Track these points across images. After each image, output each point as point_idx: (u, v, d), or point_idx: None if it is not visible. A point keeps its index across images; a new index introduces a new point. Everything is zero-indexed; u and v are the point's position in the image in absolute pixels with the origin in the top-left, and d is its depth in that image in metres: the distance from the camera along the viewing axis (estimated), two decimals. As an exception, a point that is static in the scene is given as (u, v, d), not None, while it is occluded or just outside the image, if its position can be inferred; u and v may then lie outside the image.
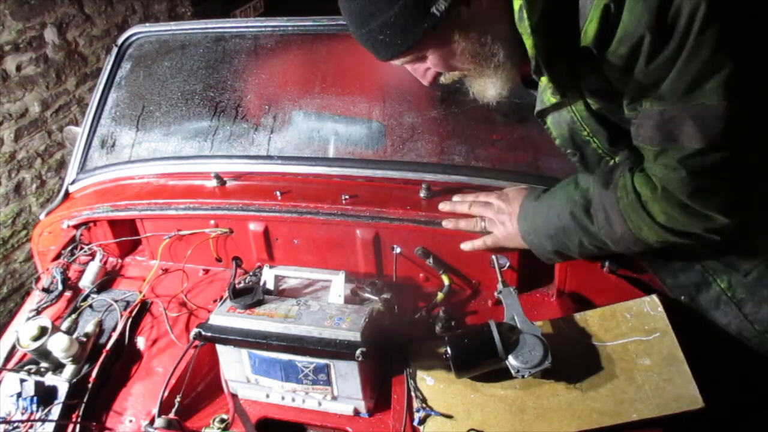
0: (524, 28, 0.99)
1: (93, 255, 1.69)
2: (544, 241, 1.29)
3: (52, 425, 1.28)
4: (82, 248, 1.71)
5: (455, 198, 1.48)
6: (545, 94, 1.14)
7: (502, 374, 1.24)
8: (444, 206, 1.47)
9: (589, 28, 0.95)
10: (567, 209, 1.22)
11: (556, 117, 1.18)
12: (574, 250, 1.26)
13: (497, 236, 1.38)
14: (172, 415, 1.27)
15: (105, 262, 1.69)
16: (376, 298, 1.42)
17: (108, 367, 1.39)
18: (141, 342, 1.49)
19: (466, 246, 1.42)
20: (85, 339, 1.41)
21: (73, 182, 1.91)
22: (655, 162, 1.04)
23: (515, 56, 1.09)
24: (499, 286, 1.35)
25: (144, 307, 1.55)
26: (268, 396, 1.34)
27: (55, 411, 1.30)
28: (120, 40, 2.04)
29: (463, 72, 1.13)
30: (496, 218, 1.38)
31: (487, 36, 1.06)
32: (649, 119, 1.00)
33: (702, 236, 1.08)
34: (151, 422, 1.25)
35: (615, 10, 0.91)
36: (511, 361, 1.21)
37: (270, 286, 1.42)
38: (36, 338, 1.33)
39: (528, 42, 1.00)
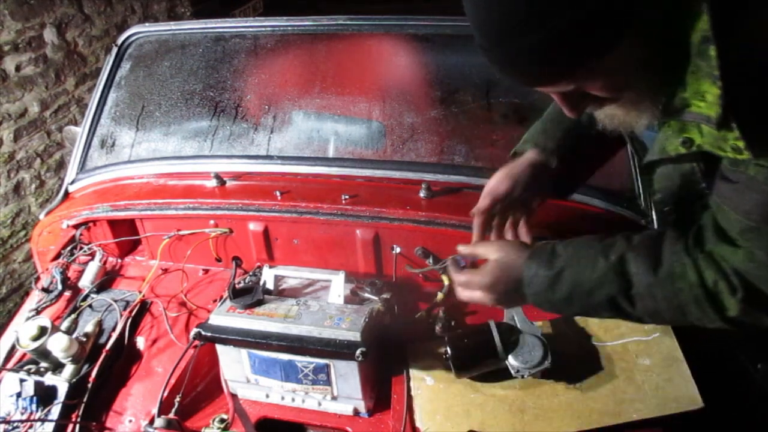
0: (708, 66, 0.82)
1: (92, 255, 1.69)
2: (561, 309, 1.09)
3: (52, 425, 1.27)
4: (81, 248, 1.71)
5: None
6: (670, 142, 0.94)
7: (502, 374, 1.24)
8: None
9: None
10: (602, 292, 0.99)
11: (668, 168, 1.00)
12: (593, 315, 1.11)
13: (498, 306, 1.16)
14: (171, 415, 1.27)
15: (105, 262, 1.69)
16: (376, 298, 1.42)
17: (108, 367, 1.39)
18: (141, 342, 1.49)
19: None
20: (84, 339, 1.41)
21: (72, 182, 1.91)
22: (741, 238, 0.89)
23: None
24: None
25: (144, 307, 1.55)
26: (267, 396, 1.33)
27: (55, 411, 1.30)
28: (120, 40, 2.04)
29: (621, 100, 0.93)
30: (489, 300, 1.11)
31: (654, 62, 0.87)
32: (755, 191, 0.84)
33: None
34: (151, 422, 1.25)
35: None
36: (511, 361, 1.21)
37: (270, 286, 1.42)
38: (35, 338, 1.33)
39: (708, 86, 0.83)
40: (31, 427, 1.28)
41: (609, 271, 0.98)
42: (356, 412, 1.30)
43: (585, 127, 1.22)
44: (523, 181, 1.21)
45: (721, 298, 0.90)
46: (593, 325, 1.32)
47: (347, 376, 1.25)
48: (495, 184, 1.22)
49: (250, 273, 1.57)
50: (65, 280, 1.62)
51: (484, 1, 0.82)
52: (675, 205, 1.04)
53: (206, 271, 1.69)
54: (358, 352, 1.18)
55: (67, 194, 1.89)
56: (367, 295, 1.44)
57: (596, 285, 0.99)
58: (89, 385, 1.33)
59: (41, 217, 1.78)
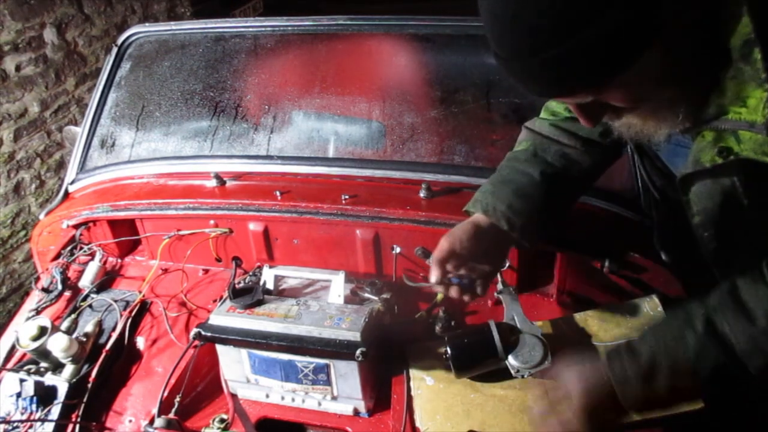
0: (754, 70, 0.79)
1: (92, 255, 1.69)
2: (667, 405, 1.03)
3: (52, 425, 1.27)
4: (81, 248, 1.71)
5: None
6: (704, 153, 0.90)
7: (502, 374, 1.24)
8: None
9: None
10: (706, 366, 0.90)
11: (707, 184, 0.94)
12: (703, 398, 1.07)
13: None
14: (171, 415, 1.27)
15: (105, 262, 1.69)
16: (376, 298, 1.42)
17: (108, 367, 1.39)
18: (141, 342, 1.49)
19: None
20: (84, 339, 1.41)
21: (72, 182, 1.91)
22: None
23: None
24: (499, 286, 1.36)
25: (144, 307, 1.55)
26: (267, 396, 1.33)
27: (55, 411, 1.30)
28: (120, 40, 2.04)
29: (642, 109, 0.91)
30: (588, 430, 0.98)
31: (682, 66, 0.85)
32: None
33: None
34: (151, 422, 1.25)
35: None
36: (511, 361, 1.21)
37: (270, 286, 1.42)
38: (35, 338, 1.33)
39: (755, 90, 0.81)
40: (31, 427, 1.28)
41: (703, 341, 0.89)
42: (356, 412, 1.29)
43: (538, 183, 1.22)
44: (461, 239, 1.16)
45: None
46: (593, 325, 1.32)
47: (347, 376, 1.25)
48: (440, 247, 1.17)
49: (250, 273, 1.57)
50: (65, 280, 1.62)
51: (504, 12, 0.79)
52: (716, 229, 0.98)
53: (206, 271, 1.69)
54: (358, 352, 1.18)
55: (67, 194, 1.90)
56: (367, 295, 1.44)
57: (697, 361, 0.89)
58: (89, 385, 1.33)
59: (41, 217, 1.78)
